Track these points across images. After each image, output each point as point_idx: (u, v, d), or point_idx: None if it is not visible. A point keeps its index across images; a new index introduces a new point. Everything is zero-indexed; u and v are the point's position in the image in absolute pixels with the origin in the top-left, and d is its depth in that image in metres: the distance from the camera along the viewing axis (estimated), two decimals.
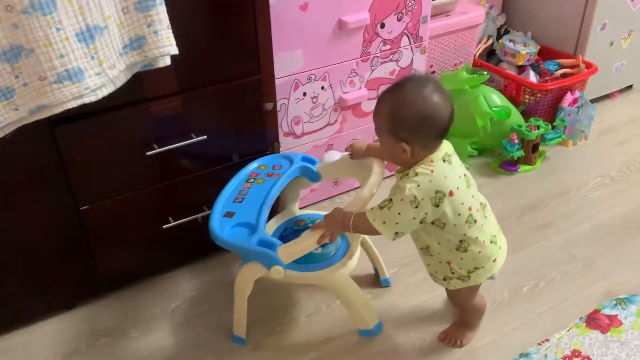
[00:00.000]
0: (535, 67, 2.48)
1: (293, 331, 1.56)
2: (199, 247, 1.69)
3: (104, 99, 1.23)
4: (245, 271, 1.36)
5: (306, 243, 1.30)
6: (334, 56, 1.78)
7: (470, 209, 1.25)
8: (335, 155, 1.52)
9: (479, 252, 1.28)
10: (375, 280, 1.71)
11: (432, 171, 1.17)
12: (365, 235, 1.64)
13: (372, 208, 1.23)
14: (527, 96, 2.37)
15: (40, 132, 1.31)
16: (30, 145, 1.32)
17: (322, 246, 1.47)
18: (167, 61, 1.33)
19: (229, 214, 1.41)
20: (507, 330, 1.54)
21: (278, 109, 1.76)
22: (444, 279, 1.34)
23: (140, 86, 1.39)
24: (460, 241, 1.26)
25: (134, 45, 1.27)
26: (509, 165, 2.23)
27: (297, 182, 1.60)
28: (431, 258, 1.32)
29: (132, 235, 1.59)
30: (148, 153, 1.45)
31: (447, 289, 1.43)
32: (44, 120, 1.22)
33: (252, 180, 1.52)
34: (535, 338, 1.50)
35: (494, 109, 2.18)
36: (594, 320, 1.53)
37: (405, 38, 1.90)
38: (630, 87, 2.81)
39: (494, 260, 1.32)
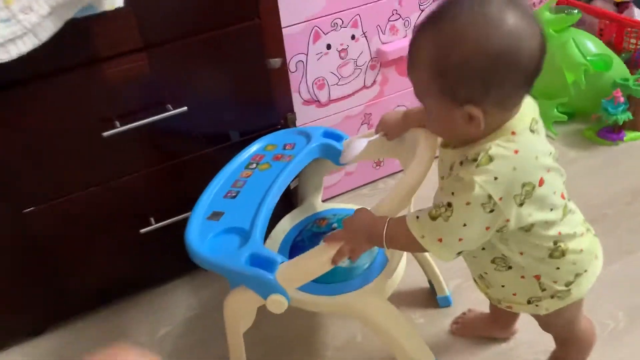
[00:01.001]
0: None
1: None
2: None
3: (39, 59, 0.89)
4: (233, 301, 0.95)
5: (314, 263, 0.86)
6: None
7: (563, 196, 0.80)
8: (360, 144, 1.02)
9: (580, 250, 0.83)
10: (430, 298, 1.26)
11: (515, 151, 0.72)
12: None
13: (416, 215, 0.78)
14: (632, 41, 1.80)
15: None
16: None
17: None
18: (117, 2, 0.93)
19: (215, 215, 1.00)
20: None
21: (294, 68, 1.32)
22: (529, 302, 0.87)
23: (89, 40, 1.00)
24: (555, 243, 0.80)
25: None
26: (611, 133, 1.68)
27: (318, 166, 1.16)
28: (509, 275, 0.85)
29: (102, 243, 1.21)
30: (106, 134, 1.06)
31: (535, 316, 0.96)
32: None
33: (253, 166, 1.10)
34: None
35: (588, 58, 1.64)
36: None
37: None
38: None
39: (596, 257, 0.87)
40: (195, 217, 0.99)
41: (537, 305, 0.87)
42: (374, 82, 1.46)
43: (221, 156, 1.19)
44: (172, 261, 1.32)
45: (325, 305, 1.00)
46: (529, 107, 0.76)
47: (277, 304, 0.89)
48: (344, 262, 1.04)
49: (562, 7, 1.70)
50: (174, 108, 1.10)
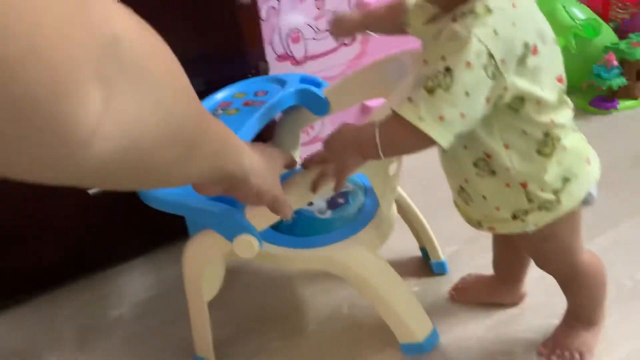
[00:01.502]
0: None
1: (297, 348, 0.98)
2: (156, 227, 1.11)
3: None
4: (193, 248, 0.79)
5: (293, 191, 0.71)
6: None
7: (561, 80, 0.69)
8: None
9: (565, 148, 0.70)
10: (423, 266, 1.11)
11: (514, 5, 0.63)
12: (404, 195, 1.05)
13: (408, 98, 0.63)
14: (619, 10, 1.73)
15: None
16: None
17: (332, 207, 0.89)
18: None
19: None
20: None
21: (265, 15, 1.19)
22: (515, 218, 0.73)
23: None
24: (546, 134, 0.68)
25: None
26: (604, 102, 1.59)
27: (295, 118, 1.01)
28: (491, 182, 0.72)
29: (47, 210, 1.04)
30: None
31: (522, 243, 0.82)
32: None
33: (219, 112, 0.95)
34: None
35: (577, 22, 1.56)
36: None
37: None
38: None
39: (588, 162, 0.74)
40: None
41: (523, 220, 0.73)
42: (354, 39, 1.34)
43: None
44: (123, 237, 1.16)
45: (302, 259, 0.85)
46: None
47: (246, 245, 0.74)
48: (325, 213, 0.90)
49: None
50: None
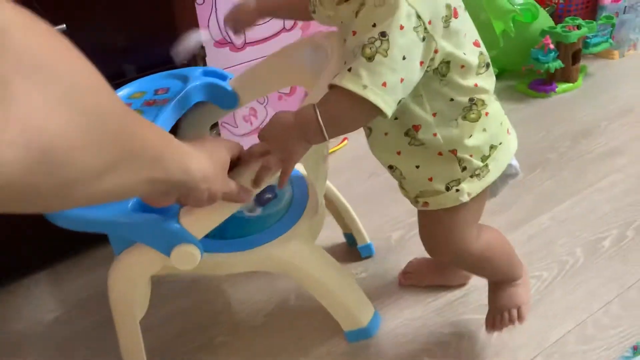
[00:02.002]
0: None
1: (243, 341, 0.94)
2: (61, 236, 1.01)
3: None
4: (121, 269, 0.73)
5: (232, 191, 0.64)
6: None
7: (477, 44, 0.69)
8: (195, 38, 0.86)
9: (487, 114, 0.70)
10: (348, 251, 1.09)
11: None
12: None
13: (347, 69, 0.60)
14: None
15: None
16: None
17: (261, 204, 0.86)
18: None
19: None
20: (596, 307, 0.94)
21: None
22: (448, 189, 0.73)
23: None
24: (471, 100, 0.69)
25: None
26: (543, 85, 1.63)
27: (201, 114, 0.93)
28: (422, 151, 0.71)
29: None
30: None
31: (420, 222, 0.81)
32: None
33: None
34: None
35: (516, 6, 1.58)
36: None
37: None
38: None
39: (508, 132, 0.76)
40: None
41: (457, 191, 0.72)
42: (295, 24, 1.31)
43: None
44: (25, 247, 1.08)
45: (242, 263, 0.81)
46: None
47: (186, 256, 0.69)
48: (254, 211, 0.86)
49: None
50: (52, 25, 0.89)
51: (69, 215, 0.68)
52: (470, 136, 0.70)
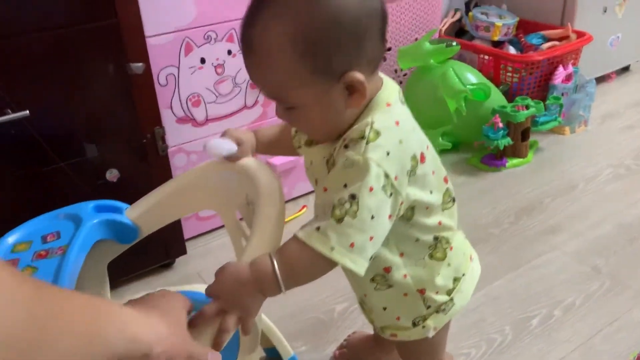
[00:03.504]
0: (515, 43, 2.01)
1: None
2: None
3: None
4: None
5: (201, 354, 0.56)
6: (242, 6, 1.26)
7: (446, 180, 0.73)
8: (229, 146, 0.75)
9: (451, 248, 0.75)
10: None
11: (397, 122, 0.65)
12: None
13: (315, 226, 0.61)
14: (508, 74, 1.89)
15: None
16: None
17: None
18: None
19: None
20: None
21: (164, 81, 1.23)
22: (415, 325, 0.77)
23: None
24: (436, 239, 0.73)
25: None
26: (494, 160, 1.72)
27: (98, 255, 0.82)
28: (389, 293, 0.75)
29: None
30: None
31: (399, 346, 0.87)
32: None
33: None
34: None
35: (468, 86, 1.69)
36: None
37: None
38: (627, 68, 2.37)
39: (471, 259, 0.80)
40: None
41: (423, 327, 0.77)
42: (256, 101, 1.40)
43: (76, 171, 1.07)
44: None
45: None
46: (390, 81, 0.70)
47: None
48: None
49: (442, 40, 1.76)
50: (14, 112, 0.97)
51: None
52: (437, 273, 0.73)
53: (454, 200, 0.74)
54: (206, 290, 0.62)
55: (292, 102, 0.63)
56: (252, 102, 1.39)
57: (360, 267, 0.61)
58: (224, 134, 0.77)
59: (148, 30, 1.13)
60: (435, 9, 1.90)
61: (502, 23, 1.99)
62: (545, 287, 1.23)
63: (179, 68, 1.24)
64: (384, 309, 0.77)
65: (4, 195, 1.04)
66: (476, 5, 2.17)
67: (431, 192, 0.69)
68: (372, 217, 0.60)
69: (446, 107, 1.68)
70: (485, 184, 1.66)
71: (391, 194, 0.62)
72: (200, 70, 1.27)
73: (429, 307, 0.76)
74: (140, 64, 1.08)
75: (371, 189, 0.60)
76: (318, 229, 0.60)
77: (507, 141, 1.66)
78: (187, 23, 1.21)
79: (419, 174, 0.66)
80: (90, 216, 0.80)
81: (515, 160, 1.73)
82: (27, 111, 0.97)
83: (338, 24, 0.58)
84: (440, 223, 0.72)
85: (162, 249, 1.29)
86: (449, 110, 1.68)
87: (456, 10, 2.13)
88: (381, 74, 0.68)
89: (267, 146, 0.80)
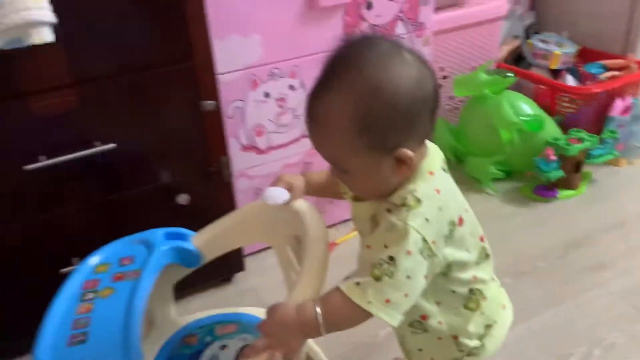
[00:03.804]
0: (573, 72, 2.01)
1: None
2: None
3: None
4: None
5: None
6: (304, 45, 1.37)
7: (482, 239, 0.80)
8: (283, 195, 0.83)
9: (485, 298, 0.81)
10: None
11: (437, 191, 0.71)
12: None
13: (355, 282, 0.68)
14: (564, 104, 1.89)
15: None
16: None
17: None
18: (46, 36, 0.95)
19: None
20: None
21: (231, 113, 1.34)
22: None
23: (14, 73, 1.01)
24: (471, 291, 0.79)
25: None
26: (546, 190, 1.74)
27: (165, 276, 0.94)
28: (425, 337, 0.82)
29: (15, 285, 1.16)
30: (27, 167, 1.05)
31: None
32: None
33: (90, 296, 0.87)
34: None
35: (521, 118, 1.72)
36: None
37: (400, 24, 1.48)
38: None
39: (504, 307, 0.86)
40: None
41: None
42: None
43: (150, 197, 1.19)
44: None
45: None
46: (435, 150, 0.76)
47: None
48: None
49: (498, 70, 1.80)
50: (102, 145, 1.10)
51: None
52: (470, 322, 0.79)
53: (487, 255, 0.80)
54: (257, 325, 0.71)
55: (345, 168, 0.71)
56: None
57: (394, 320, 0.67)
58: (277, 180, 0.85)
59: (219, 68, 1.24)
60: (494, 39, 1.94)
61: (561, 52, 2.00)
62: (587, 325, 1.26)
63: (245, 102, 1.35)
64: (420, 350, 0.84)
65: (91, 216, 1.18)
66: (536, 32, 2.18)
67: (467, 251, 0.75)
68: (408, 277, 0.66)
69: (499, 136, 1.72)
70: (535, 214, 1.68)
71: (428, 256, 0.68)
72: (264, 104, 1.38)
73: (461, 350, 0.82)
74: (212, 102, 1.20)
75: (409, 253, 0.66)
76: (358, 284, 0.67)
77: (559, 174, 1.68)
78: (254, 61, 1.32)
79: (457, 236, 0.72)
80: (161, 243, 0.91)
81: (568, 192, 1.74)
82: (115, 144, 1.11)
83: (395, 108, 0.66)
84: (474, 277, 0.78)
85: (222, 265, 1.39)
86: (502, 140, 1.71)
87: (515, 37, 2.15)
88: (428, 143, 0.75)
89: (316, 189, 0.88)
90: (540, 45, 2.04)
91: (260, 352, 0.68)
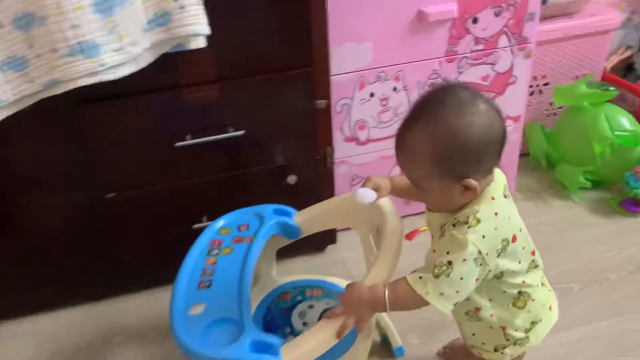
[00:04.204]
0: None
1: None
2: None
3: (135, 80, 1.13)
4: None
5: (319, 340, 0.89)
6: (410, 53, 1.52)
7: (533, 253, 0.96)
8: (371, 195, 0.99)
9: (533, 300, 0.98)
10: (380, 350, 1.34)
11: (496, 214, 0.88)
12: None
13: (419, 275, 0.87)
14: None
15: (68, 110, 1.23)
16: (55, 124, 1.26)
17: None
18: (201, 43, 1.19)
19: (196, 309, 0.99)
20: None
21: (339, 109, 1.54)
22: (496, 350, 1.02)
23: (174, 70, 1.27)
24: (520, 292, 0.96)
25: (160, 21, 1.14)
26: (632, 205, 1.79)
27: (271, 242, 1.20)
28: (478, 325, 1.00)
29: (159, 232, 1.47)
30: (178, 144, 1.32)
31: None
32: (73, 97, 1.12)
33: (215, 252, 1.14)
34: None
35: (618, 133, 1.76)
36: None
37: (504, 37, 1.59)
38: None
39: (550, 308, 1.02)
40: (177, 313, 0.98)
41: (502, 353, 1.02)
42: None
43: (266, 176, 1.44)
44: None
45: None
46: (500, 176, 0.93)
47: None
48: None
49: (600, 83, 1.83)
50: (234, 131, 1.35)
51: (200, 355, 0.89)
52: (518, 317, 0.96)
53: (537, 266, 0.96)
54: (339, 296, 0.93)
55: (422, 187, 0.90)
56: None
57: (446, 309, 0.86)
58: (367, 181, 1.02)
59: (333, 70, 1.44)
60: (603, 50, 1.96)
61: None
62: None
63: (352, 99, 1.54)
64: (473, 334, 1.03)
65: (219, 186, 1.45)
66: None
67: (519, 262, 0.92)
68: (461, 279, 0.85)
69: (592, 148, 1.77)
70: (617, 227, 1.74)
71: (480, 264, 0.85)
72: (369, 102, 1.56)
73: (508, 339, 0.99)
74: (324, 101, 1.40)
75: (464, 260, 0.84)
76: (421, 277, 0.86)
77: None
78: (364, 65, 1.50)
79: (509, 250, 0.89)
80: (270, 216, 1.19)
81: None
82: (244, 131, 1.35)
83: (467, 147, 0.83)
84: (524, 282, 0.95)
85: (317, 237, 1.62)
86: (594, 152, 1.77)
87: (629, 47, 2.14)
88: (496, 171, 0.91)
89: (400, 192, 1.06)
90: None
91: (339, 316, 0.90)
